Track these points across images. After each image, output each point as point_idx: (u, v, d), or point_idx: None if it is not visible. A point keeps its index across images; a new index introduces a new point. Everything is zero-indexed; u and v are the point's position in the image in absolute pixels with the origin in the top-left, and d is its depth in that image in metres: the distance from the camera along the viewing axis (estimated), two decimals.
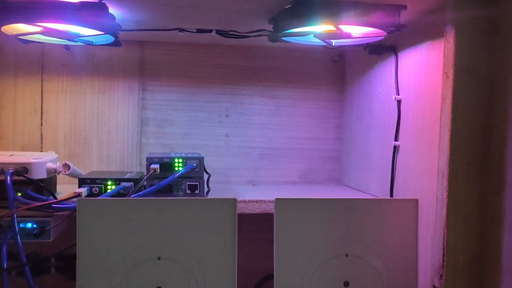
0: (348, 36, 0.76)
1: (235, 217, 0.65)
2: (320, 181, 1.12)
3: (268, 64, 1.09)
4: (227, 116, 1.08)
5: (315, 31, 0.75)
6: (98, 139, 1.04)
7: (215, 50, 1.07)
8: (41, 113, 1.01)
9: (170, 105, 1.06)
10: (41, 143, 1.01)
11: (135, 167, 1.05)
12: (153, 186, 0.79)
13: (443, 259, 0.58)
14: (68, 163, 0.80)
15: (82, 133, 1.03)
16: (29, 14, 0.68)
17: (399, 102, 0.82)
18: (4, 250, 0.75)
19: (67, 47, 0.98)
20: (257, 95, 1.09)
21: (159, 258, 0.64)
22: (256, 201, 0.83)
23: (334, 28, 0.72)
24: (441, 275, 0.58)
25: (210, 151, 1.07)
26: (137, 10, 0.78)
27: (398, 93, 0.82)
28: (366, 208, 0.67)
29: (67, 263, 1.01)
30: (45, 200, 0.75)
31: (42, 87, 1.01)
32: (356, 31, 0.75)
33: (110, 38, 0.80)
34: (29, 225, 0.79)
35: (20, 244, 0.72)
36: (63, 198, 0.73)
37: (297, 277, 0.66)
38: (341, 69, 1.11)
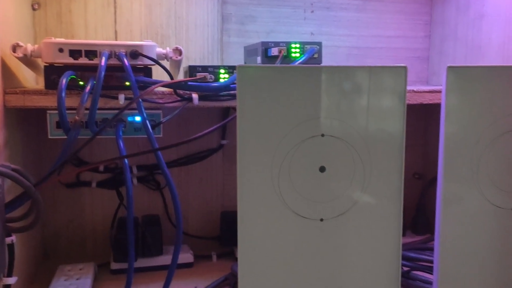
0: None
1: (405, 89, 0.58)
2: (409, 83, 1.04)
3: None
4: (312, 12, 0.99)
5: None
6: (177, 37, 0.93)
7: None
8: (115, 7, 0.90)
9: None
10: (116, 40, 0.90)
11: None
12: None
13: None
14: (180, 47, 0.71)
15: (159, 31, 0.92)
16: None
17: None
18: (121, 145, 0.66)
19: None
20: None
21: (322, 135, 0.57)
22: (418, 91, 0.79)
23: None
24: None
25: None
26: None
27: None
28: None
29: (149, 173, 0.93)
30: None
31: None
32: None
33: None
34: (139, 118, 0.71)
35: (150, 130, 0.63)
36: (193, 79, 0.64)
37: (467, 155, 0.60)
38: None
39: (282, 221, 0.58)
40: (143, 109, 0.62)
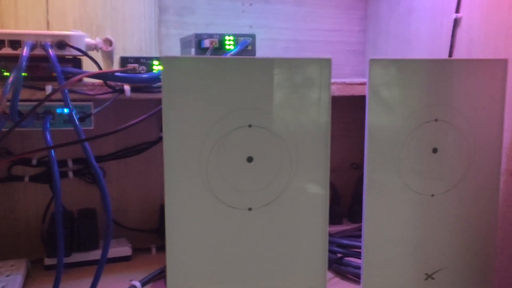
0: None
1: (329, 80, 0.59)
2: (344, 76, 1.08)
3: None
4: (250, 5, 1.00)
5: None
6: (112, 29, 0.92)
7: None
8: None
9: None
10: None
11: None
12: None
13: None
14: (110, 38, 0.70)
15: (94, 22, 0.91)
16: None
17: None
18: (48, 137, 0.65)
19: None
20: None
21: (249, 126, 0.58)
22: (348, 83, 0.80)
23: None
24: None
25: None
26: None
27: None
28: (459, 69, 0.64)
29: (85, 167, 0.92)
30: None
31: None
32: None
33: None
34: (65, 110, 0.69)
35: (77, 123, 0.62)
36: (122, 69, 0.64)
37: (389, 145, 0.63)
38: None
39: (210, 211, 0.58)
40: (68, 100, 0.61)
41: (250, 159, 0.59)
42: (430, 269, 0.68)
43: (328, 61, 0.59)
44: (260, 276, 0.61)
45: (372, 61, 0.61)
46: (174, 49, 0.95)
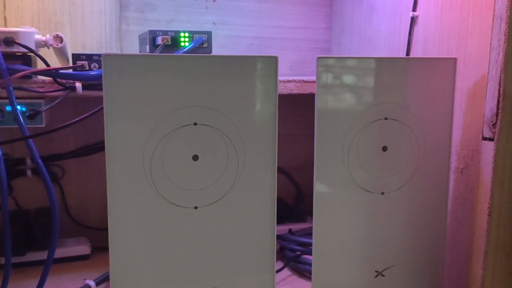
0: None
1: (276, 78, 0.59)
2: (309, 73, 1.08)
3: None
4: (214, 1, 0.99)
5: None
6: (72, 25, 0.91)
7: None
8: None
9: None
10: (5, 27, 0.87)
11: None
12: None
13: (498, 106, 0.57)
14: (61, 34, 0.69)
15: (52, 18, 0.89)
16: None
17: None
18: None
19: None
20: None
21: (195, 124, 0.57)
22: (292, 80, 0.79)
23: None
24: (494, 124, 0.58)
25: None
26: None
27: None
28: (407, 67, 0.64)
29: (45, 165, 0.91)
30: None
31: None
32: None
33: None
34: (17, 107, 0.68)
35: (21, 119, 0.61)
36: (68, 66, 0.63)
37: (337, 144, 0.63)
38: None
39: (155, 210, 0.58)
40: (13, 97, 0.60)
41: (195, 157, 0.58)
42: (380, 266, 0.68)
43: (274, 59, 0.59)
44: (207, 275, 0.61)
45: (319, 59, 0.61)
46: (135, 46, 0.94)
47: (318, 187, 0.64)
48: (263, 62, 0.59)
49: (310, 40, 1.07)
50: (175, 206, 0.58)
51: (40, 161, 0.62)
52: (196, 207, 0.59)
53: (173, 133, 0.57)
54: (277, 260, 0.71)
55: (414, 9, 0.79)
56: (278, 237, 0.90)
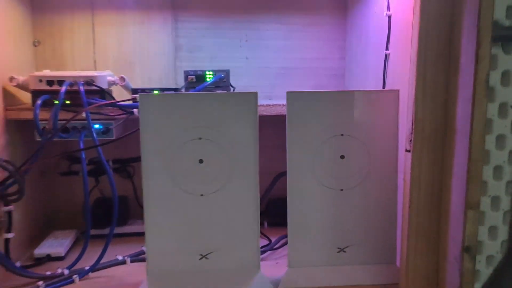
0: None
1: (256, 107, 0.85)
2: None
3: None
4: (246, 41, 1.28)
5: None
6: (141, 63, 1.24)
7: None
8: (93, 43, 1.22)
9: (199, 33, 1.26)
10: (95, 68, 1.22)
11: (172, 86, 1.26)
12: (192, 89, 1.01)
13: (412, 127, 0.78)
14: (124, 76, 1.02)
15: (128, 59, 1.24)
16: None
17: (389, 17, 1.00)
18: (81, 145, 0.98)
19: None
20: (271, 22, 1.28)
21: (200, 138, 0.86)
22: (272, 105, 1.04)
23: None
24: (410, 140, 0.79)
25: (233, 72, 1.25)
26: None
27: (388, 9, 0.99)
28: (358, 98, 0.87)
29: (122, 166, 1.25)
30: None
31: (93, 21, 1.21)
32: None
33: None
34: (96, 126, 1.02)
35: (95, 135, 0.94)
36: (124, 100, 0.95)
37: (306, 153, 0.88)
38: None
39: (174, 196, 0.87)
40: (89, 119, 0.93)
41: (201, 161, 0.87)
42: (342, 244, 0.91)
43: (254, 94, 0.86)
44: (209, 243, 0.89)
45: (288, 93, 0.87)
46: None
47: (291, 189, 0.89)
48: (246, 96, 0.86)
49: (327, 68, 1.31)
50: (187, 193, 0.87)
51: (106, 162, 0.94)
52: (202, 195, 0.88)
53: (186, 144, 0.86)
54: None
55: (387, 48, 1.01)
56: None
